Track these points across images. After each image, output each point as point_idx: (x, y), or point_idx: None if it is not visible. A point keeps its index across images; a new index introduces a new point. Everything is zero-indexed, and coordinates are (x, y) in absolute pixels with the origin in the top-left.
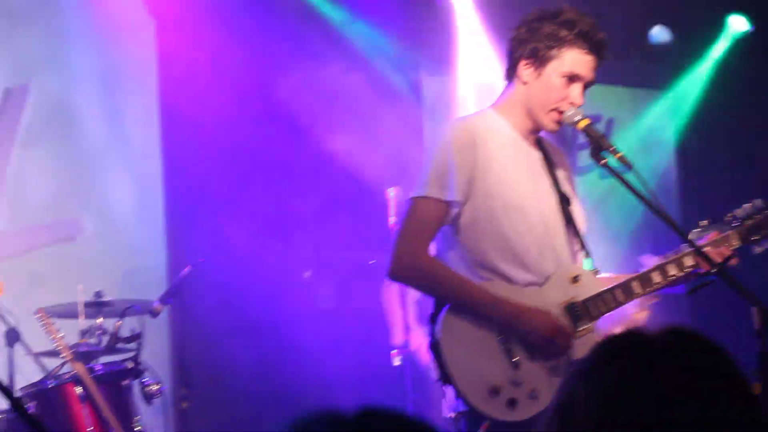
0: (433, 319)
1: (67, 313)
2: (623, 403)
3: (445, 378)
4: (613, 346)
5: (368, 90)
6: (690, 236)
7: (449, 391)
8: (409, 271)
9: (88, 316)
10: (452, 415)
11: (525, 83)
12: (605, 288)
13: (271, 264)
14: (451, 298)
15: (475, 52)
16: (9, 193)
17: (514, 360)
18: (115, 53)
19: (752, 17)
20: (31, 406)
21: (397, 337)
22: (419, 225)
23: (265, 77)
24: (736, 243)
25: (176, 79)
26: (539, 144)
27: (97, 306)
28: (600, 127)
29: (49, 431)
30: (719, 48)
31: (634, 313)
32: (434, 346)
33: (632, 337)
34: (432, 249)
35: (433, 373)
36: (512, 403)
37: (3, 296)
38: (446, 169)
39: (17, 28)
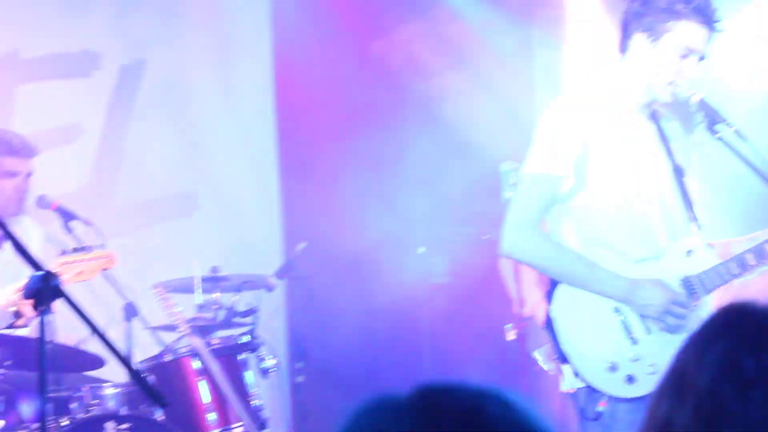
0: (548, 296)
1: (184, 287)
2: (733, 376)
3: (562, 355)
4: (725, 318)
5: (480, 64)
6: None
7: (567, 369)
8: (520, 247)
9: (204, 291)
10: (570, 390)
11: (640, 56)
12: (720, 261)
13: (385, 239)
14: (563, 276)
15: (588, 24)
16: (126, 169)
17: (632, 336)
18: (228, 27)
19: None
20: (150, 380)
21: (512, 312)
22: (531, 201)
23: (380, 46)
24: None
25: (290, 53)
26: (654, 116)
27: (213, 281)
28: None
29: (167, 402)
30: None
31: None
32: (550, 324)
33: (743, 310)
34: (545, 225)
35: (551, 351)
36: (631, 379)
37: (121, 271)
38: (558, 144)
39: (131, 4)
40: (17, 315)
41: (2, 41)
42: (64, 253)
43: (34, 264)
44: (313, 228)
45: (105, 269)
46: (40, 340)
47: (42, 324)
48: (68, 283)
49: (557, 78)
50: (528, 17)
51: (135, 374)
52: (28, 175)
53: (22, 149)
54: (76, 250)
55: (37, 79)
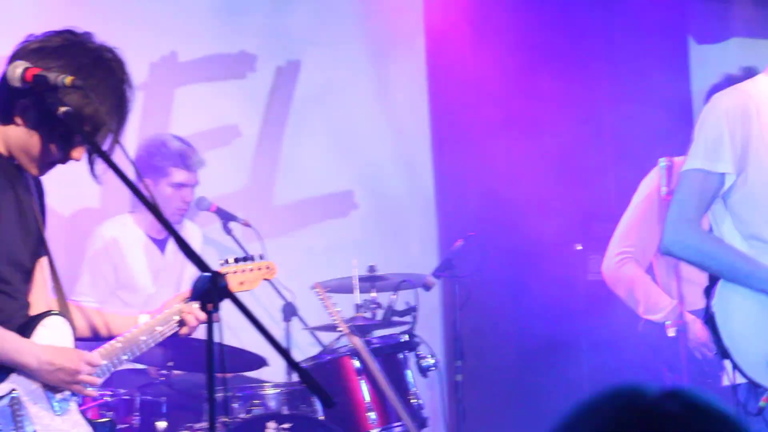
0: (708, 293)
1: (342, 287)
2: None
3: (723, 351)
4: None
5: (635, 58)
6: None
7: (727, 364)
8: (680, 245)
9: (362, 290)
10: (731, 385)
11: None
12: None
13: (542, 236)
14: (724, 272)
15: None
16: (283, 168)
17: None
18: (382, 27)
19: None
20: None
21: (671, 309)
22: (691, 198)
23: (535, 49)
24: None
25: (444, 51)
26: None
27: (371, 280)
28: None
29: (334, 401)
30: None
31: None
32: (710, 320)
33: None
34: (705, 222)
35: (712, 347)
36: None
37: (279, 272)
38: (719, 141)
39: (286, 6)
40: (181, 324)
41: (161, 45)
42: (225, 263)
43: (201, 265)
44: (470, 226)
45: (266, 279)
46: (209, 341)
47: (210, 324)
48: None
49: (714, 72)
50: (685, 12)
51: (303, 373)
52: (194, 186)
53: (195, 163)
54: (237, 260)
55: (195, 82)
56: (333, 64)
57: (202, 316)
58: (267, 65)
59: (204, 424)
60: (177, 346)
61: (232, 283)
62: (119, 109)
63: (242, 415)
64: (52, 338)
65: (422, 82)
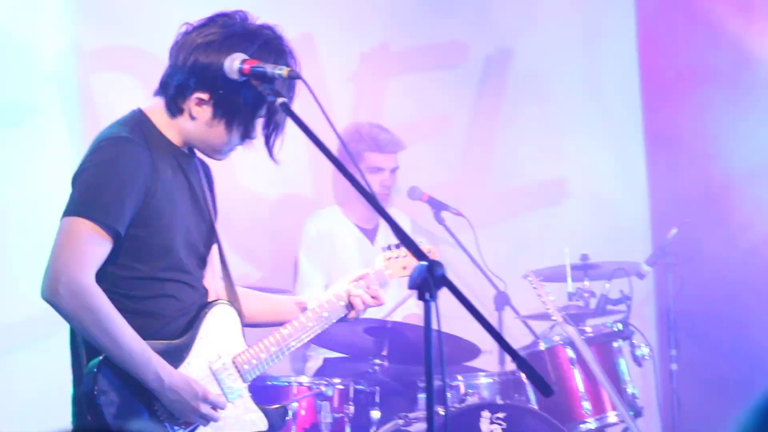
0: None
1: (554, 276)
2: None
3: None
4: None
5: None
6: None
7: None
8: None
9: (575, 279)
10: None
11: None
12: None
13: (759, 223)
14: None
15: None
16: (495, 157)
17: None
18: (592, 13)
19: None
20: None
21: None
22: None
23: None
24: None
25: (655, 37)
26: None
27: (583, 268)
28: None
29: (553, 390)
30: None
31: None
32: None
33: None
34: None
35: None
36: None
37: (491, 260)
38: None
39: None
40: (348, 308)
41: (373, 36)
42: (388, 248)
43: (419, 254)
44: (683, 214)
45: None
46: (427, 329)
47: (428, 314)
48: (392, 278)
49: None
50: None
51: (522, 362)
52: (394, 170)
53: (387, 145)
54: (399, 245)
55: (407, 72)
56: (544, 52)
57: (369, 300)
58: (478, 54)
59: (418, 413)
60: (391, 336)
61: (396, 268)
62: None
63: (456, 405)
64: (220, 326)
65: (634, 69)
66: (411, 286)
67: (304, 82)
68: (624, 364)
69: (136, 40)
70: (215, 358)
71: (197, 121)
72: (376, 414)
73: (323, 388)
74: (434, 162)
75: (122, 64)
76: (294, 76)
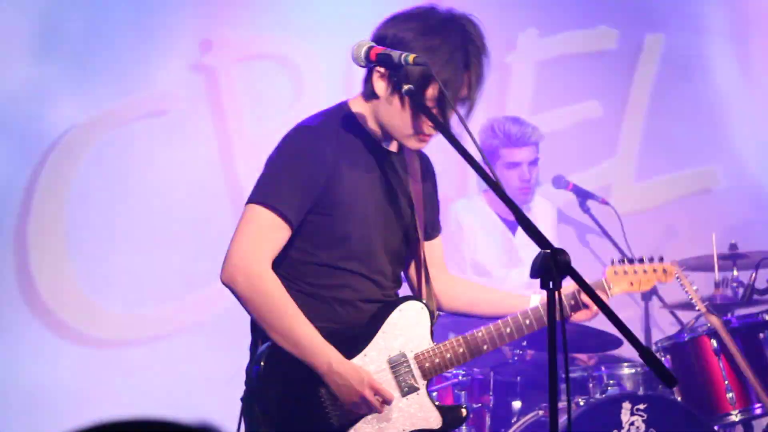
0: None
1: (701, 265)
2: None
3: None
4: None
5: None
6: None
7: None
8: None
9: (722, 268)
10: None
11: None
12: None
13: None
14: None
15: None
16: (643, 145)
17: None
18: (745, 3)
19: None
20: (666, 360)
21: None
22: None
23: None
24: None
25: None
26: None
27: (731, 257)
28: None
29: (676, 381)
30: None
31: None
32: None
33: None
34: None
35: None
36: None
37: (637, 250)
38: None
39: None
40: (574, 308)
41: (523, 22)
42: (614, 263)
43: (542, 242)
44: None
45: (660, 282)
46: (551, 319)
47: (551, 303)
48: (614, 294)
49: None
50: None
51: (644, 352)
52: (532, 162)
53: (520, 138)
54: (631, 260)
55: (556, 58)
56: (696, 38)
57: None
58: (629, 40)
59: (560, 404)
60: None
61: (622, 284)
62: (465, 71)
63: (597, 396)
64: (407, 323)
65: None
66: (533, 275)
67: (431, 69)
68: None
69: (282, 30)
70: (396, 353)
71: (381, 98)
72: (517, 404)
73: (462, 378)
74: (582, 150)
75: (266, 53)
76: (420, 63)
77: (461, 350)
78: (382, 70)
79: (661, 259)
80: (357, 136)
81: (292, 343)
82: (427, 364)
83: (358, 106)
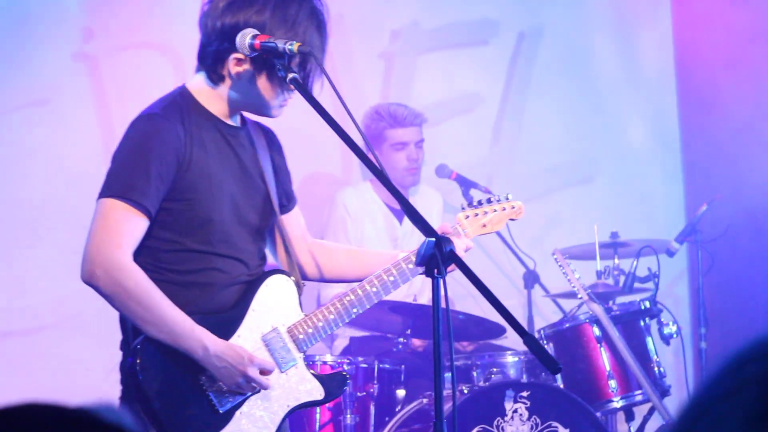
0: None
1: (584, 254)
2: None
3: None
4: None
5: None
6: None
7: None
8: None
9: (603, 257)
10: None
11: None
12: None
13: None
14: None
15: None
16: (525, 135)
17: None
18: None
19: None
20: (549, 347)
21: None
22: None
23: None
24: None
25: (691, 14)
26: None
27: (613, 246)
28: None
29: (559, 367)
30: None
31: None
32: None
33: None
34: None
35: None
36: None
37: (520, 239)
38: None
39: None
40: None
41: (404, 14)
42: (465, 207)
43: (427, 230)
44: (716, 189)
45: (512, 219)
46: (435, 307)
47: (437, 291)
48: (472, 237)
49: None
50: None
51: (528, 339)
52: (419, 143)
53: (406, 118)
54: (480, 202)
55: (437, 49)
56: (576, 28)
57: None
58: (509, 31)
59: (445, 392)
60: (415, 314)
61: (474, 226)
62: (321, 35)
63: (481, 383)
64: (275, 298)
65: (668, 43)
66: (419, 263)
67: (315, 58)
68: (651, 343)
69: (165, 18)
70: (268, 329)
71: (241, 81)
72: (401, 392)
73: (346, 367)
74: (465, 140)
75: (149, 42)
76: (304, 51)
77: (332, 317)
78: (241, 55)
79: (507, 198)
80: (202, 116)
81: (164, 331)
82: (300, 336)
83: (199, 89)
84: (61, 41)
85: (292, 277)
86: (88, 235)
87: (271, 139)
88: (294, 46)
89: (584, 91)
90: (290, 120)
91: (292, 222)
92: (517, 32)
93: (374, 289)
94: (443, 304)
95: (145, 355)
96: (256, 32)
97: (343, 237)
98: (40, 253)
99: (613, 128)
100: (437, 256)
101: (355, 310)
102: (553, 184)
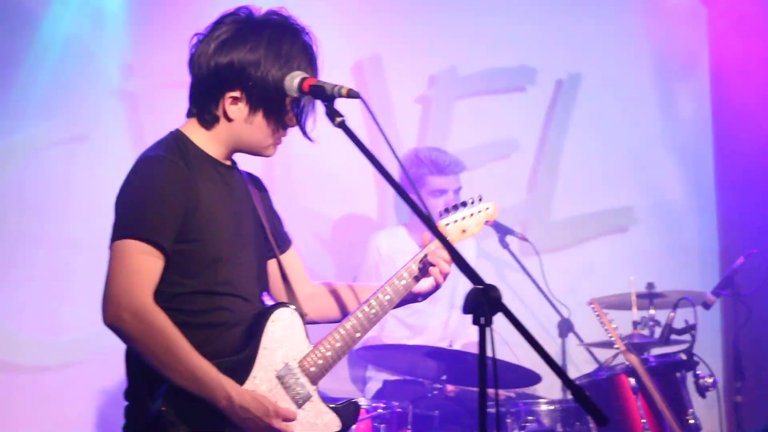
0: None
1: (619, 303)
2: None
3: None
4: None
5: None
6: None
7: None
8: None
9: (640, 307)
10: None
11: None
12: None
13: None
14: None
15: None
16: (562, 182)
17: None
18: (665, 40)
19: None
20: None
21: None
22: None
23: None
24: None
25: (728, 68)
26: None
27: (649, 297)
28: None
29: (608, 419)
30: None
31: None
32: None
33: None
34: None
35: None
36: None
37: (556, 287)
38: None
39: (568, 18)
40: (417, 279)
41: (442, 59)
42: (442, 215)
43: (474, 277)
44: (753, 243)
45: (488, 222)
46: (481, 354)
47: (482, 339)
48: (455, 243)
49: None
50: None
51: (576, 390)
52: (457, 191)
53: (448, 166)
54: (455, 207)
55: (474, 95)
56: (614, 79)
57: (446, 266)
58: (547, 78)
59: None
60: (450, 360)
61: (455, 233)
62: (313, 69)
63: (516, 431)
64: (282, 332)
65: (705, 94)
66: (465, 311)
67: (363, 101)
68: (687, 395)
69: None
70: (281, 366)
71: (236, 121)
72: None
73: (381, 411)
74: (501, 185)
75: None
76: (353, 95)
77: (338, 344)
78: (237, 94)
79: (480, 199)
80: (201, 158)
81: (188, 378)
82: (312, 369)
83: (194, 131)
84: (101, 78)
85: (294, 307)
86: (108, 277)
87: (256, 181)
88: (343, 90)
89: (621, 139)
90: (327, 164)
91: (290, 264)
92: (555, 79)
93: (373, 311)
94: (489, 353)
95: (172, 403)
96: (305, 75)
97: (376, 280)
98: (77, 288)
99: (650, 178)
100: (484, 305)
101: (358, 334)
102: (589, 233)
